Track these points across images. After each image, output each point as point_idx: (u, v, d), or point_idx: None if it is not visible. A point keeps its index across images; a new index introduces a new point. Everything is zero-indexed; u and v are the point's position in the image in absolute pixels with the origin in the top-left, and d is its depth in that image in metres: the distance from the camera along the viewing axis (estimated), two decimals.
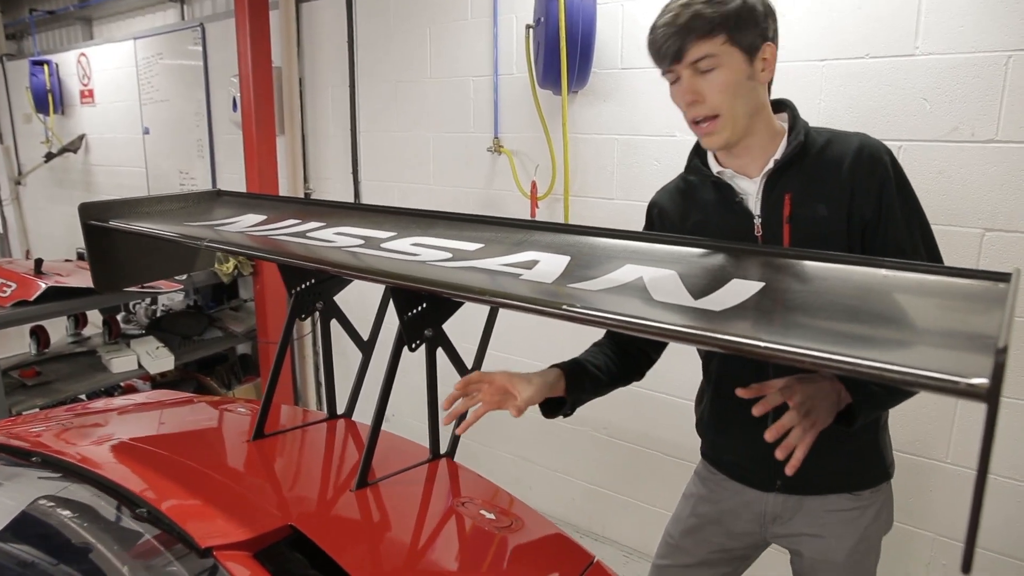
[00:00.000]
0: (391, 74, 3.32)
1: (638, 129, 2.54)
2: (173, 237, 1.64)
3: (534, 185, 2.75)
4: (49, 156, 5.42)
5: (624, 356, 1.48)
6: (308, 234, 1.61)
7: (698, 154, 1.40)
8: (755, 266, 1.18)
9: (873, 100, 2.08)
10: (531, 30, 2.44)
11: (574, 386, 1.37)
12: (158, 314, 3.92)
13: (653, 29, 1.26)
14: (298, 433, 1.54)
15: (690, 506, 1.56)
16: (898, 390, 1.22)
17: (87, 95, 5.29)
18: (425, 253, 1.35)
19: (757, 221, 1.31)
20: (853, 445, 1.36)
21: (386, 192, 3.46)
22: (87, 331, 3.75)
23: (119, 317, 3.88)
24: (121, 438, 1.44)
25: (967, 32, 1.90)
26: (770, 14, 1.26)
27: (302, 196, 3.77)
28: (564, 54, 2.18)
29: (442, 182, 3.22)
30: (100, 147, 5.35)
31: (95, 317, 3.95)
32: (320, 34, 3.59)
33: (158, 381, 3.82)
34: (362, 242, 1.49)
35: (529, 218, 1.37)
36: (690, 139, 1.39)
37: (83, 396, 3.70)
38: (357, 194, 3.57)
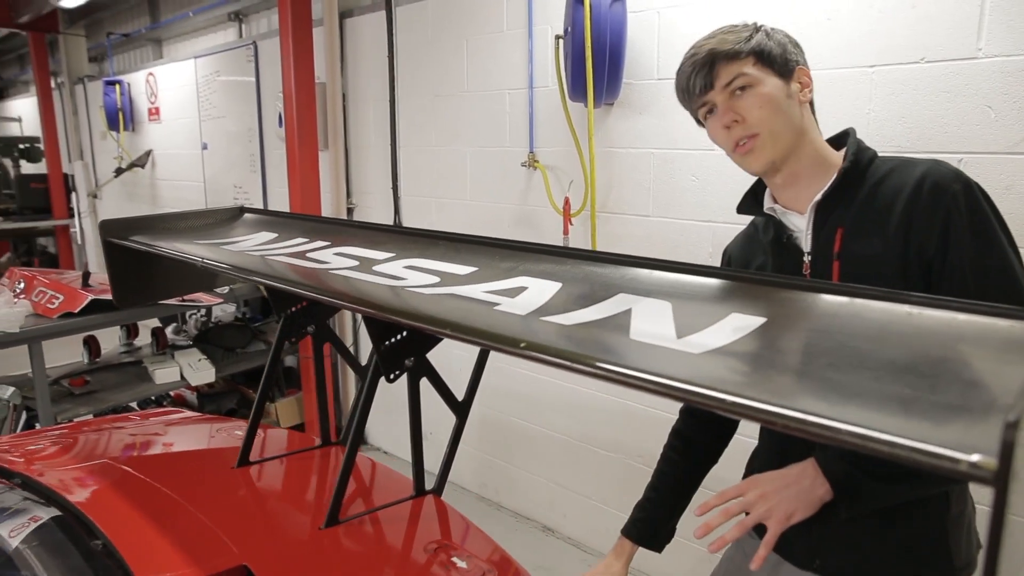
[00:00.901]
0: (429, 87, 3.28)
1: (675, 143, 2.40)
2: (172, 255, 1.63)
3: (567, 201, 2.65)
4: (118, 171, 5.66)
5: (689, 448, 1.42)
6: (308, 254, 1.58)
7: (754, 193, 1.31)
8: (762, 299, 1.05)
9: (929, 109, 1.88)
10: (560, 40, 2.34)
11: (649, 542, 1.37)
12: (208, 326, 3.99)
13: (679, 71, 1.21)
14: (285, 461, 1.47)
15: (723, 570, 1.44)
16: (901, 476, 1.07)
17: (154, 112, 5.50)
18: (413, 277, 1.31)
19: (807, 259, 1.20)
20: (904, 531, 1.16)
21: (424, 207, 3.42)
22: (138, 341, 3.85)
23: (171, 328, 3.98)
24: (104, 461, 1.41)
25: None
26: (795, 43, 1.20)
27: (344, 211, 3.78)
28: (590, 64, 2.08)
29: (478, 198, 3.15)
30: (165, 162, 5.55)
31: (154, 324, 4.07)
32: (363, 48, 3.60)
33: (203, 392, 3.89)
34: (357, 263, 1.45)
35: (528, 242, 1.28)
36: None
37: (134, 405, 3.81)
38: (397, 210, 3.54)
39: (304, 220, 1.94)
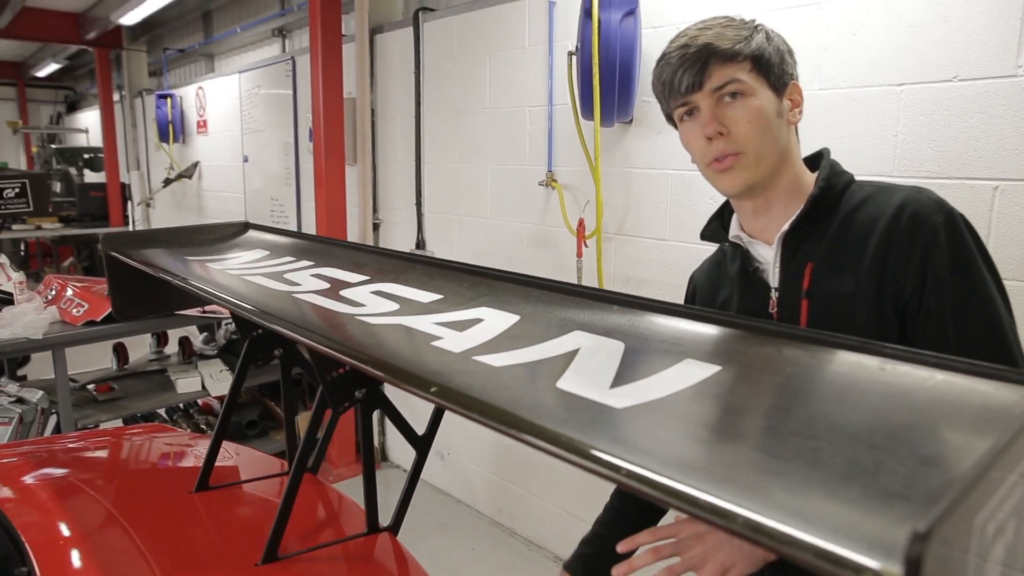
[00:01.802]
0: (452, 104, 3.24)
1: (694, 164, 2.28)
2: (150, 272, 1.64)
3: (581, 223, 2.55)
4: (167, 182, 5.83)
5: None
6: (285, 275, 1.56)
7: (720, 217, 1.18)
8: (722, 343, 0.95)
9: (963, 131, 1.72)
10: (572, 57, 2.26)
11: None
12: (234, 337, 4.04)
13: (662, 58, 1.06)
14: (242, 489, 1.43)
15: None
16: None
17: (202, 125, 5.65)
18: (373, 304, 1.27)
19: (774, 295, 1.07)
20: None
21: (446, 224, 3.38)
22: (168, 350, 3.92)
23: (202, 338, 4.03)
24: (61, 480, 1.39)
25: None
26: (791, 53, 1.08)
27: (370, 228, 3.76)
28: (597, 81, 1.99)
29: (498, 216, 3.09)
30: (210, 173, 5.69)
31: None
32: (391, 65, 3.59)
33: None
34: (326, 286, 1.43)
35: (498, 270, 1.20)
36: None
37: (162, 412, 3.87)
38: (420, 227, 3.50)
39: (301, 239, 1.92)
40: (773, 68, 1.03)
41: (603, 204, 2.44)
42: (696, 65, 1.01)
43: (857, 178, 1.07)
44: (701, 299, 1.24)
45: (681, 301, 1.24)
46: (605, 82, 2.03)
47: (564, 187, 2.70)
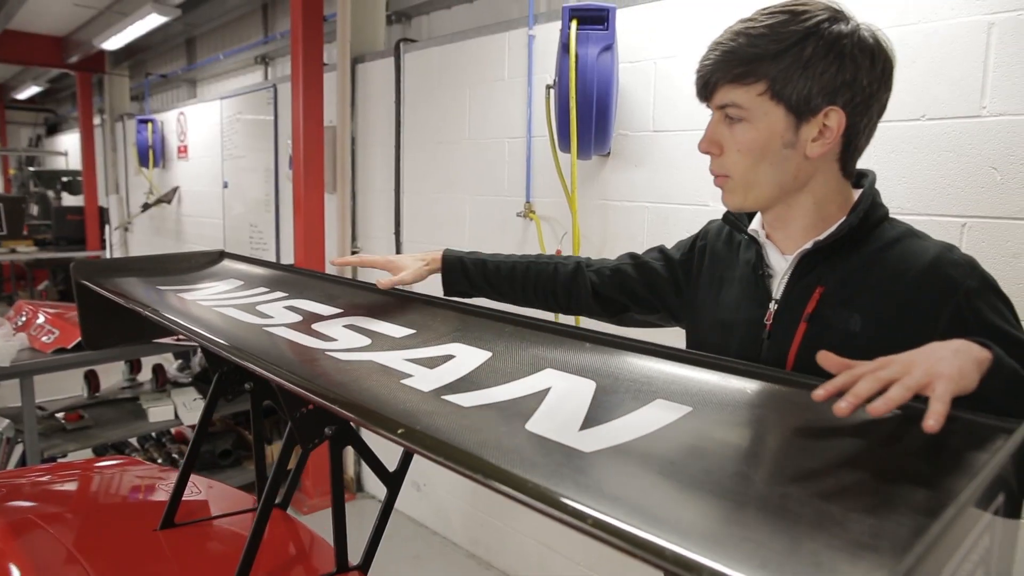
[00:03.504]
0: (432, 134, 3.26)
1: (670, 197, 2.30)
2: (120, 301, 1.61)
3: (558, 254, 2.56)
4: (146, 206, 5.78)
5: (572, 288, 1.40)
6: (257, 306, 1.54)
7: None
8: (690, 382, 0.94)
9: (932, 169, 1.75)
10: (551, 90, 2.28)
11: (455, 272, 1.47)
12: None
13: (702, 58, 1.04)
14: (210, 526, 1.39)
15: None
16: None
17: (183, 150, 5.63)
18: (345, 339, 1.27)
19: (773, 307, 1.04)
20: None
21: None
22: (141, 377, 3.84)
23: (176, 365, 3.97)
24: (22, 516, 1.34)
25: None
26: (863, 69, 0.94)
27: (350, 254, 3.75)
28: (573, 115, 2.01)
29: (476, 245, 3.07)
30: (190, 199, 5.65)
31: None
32: (372, 94, 3.61)
33: None
34: (299, 319, 1.42)
35: (473, 305, 1.20)
36: (724, 209, 1.13)
37: (133, 441, 3.79)
38: None
39: (275, 269, 1.91)
40: (798, 86, 0.93)
41: (580, 236, 2.45)
42: (701, 81, 1.01)
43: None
44: (706, 262, 1.19)
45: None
46: (582, 116, 2.05)
47: (542, 218, 2.71)
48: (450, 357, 1.11)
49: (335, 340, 1.24)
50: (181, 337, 3.16)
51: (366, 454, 1.25)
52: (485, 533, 3.22)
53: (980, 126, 1.67)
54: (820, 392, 0.75)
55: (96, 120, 7.41)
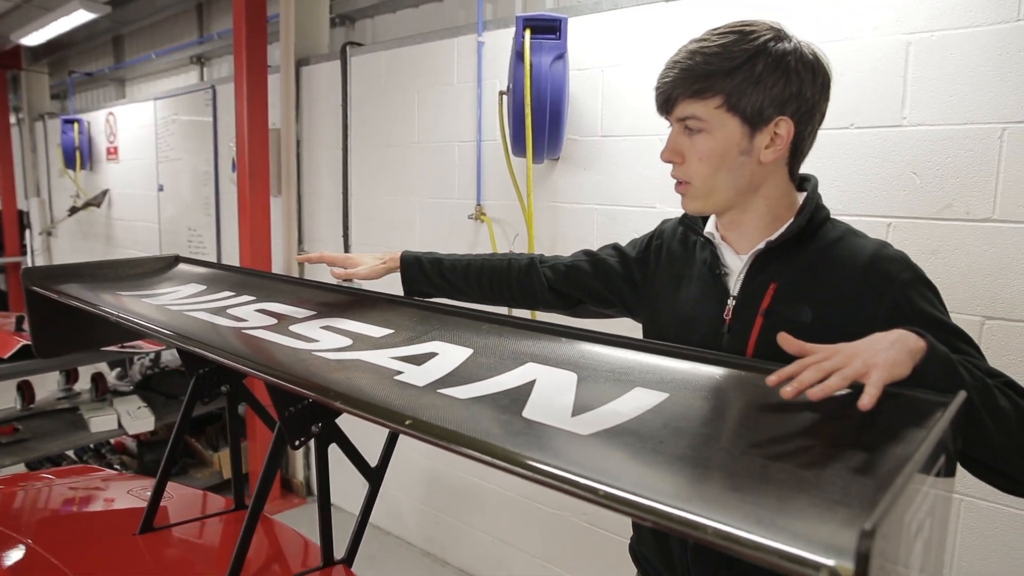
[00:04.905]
0: (381, 137, 3.28)
1: (617, 199, 2.41)
2: (88, 309, 1.59)
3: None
4: (73, 210, 5.56)
5: (527, 284, 1.47)
6: (228, 310, 1.54)
7: None
8: (663, 370, 1.03)
9: (860, 173, 1.91)
10: (504, 96, 2.36)
11: (413, 271, 1.55)
12: (152, 372, 3.87)
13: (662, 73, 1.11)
14: (189, 528, 1.40)
15: None
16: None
17: (112, 152, 5.44)
18: (326, 340, 1.30)
19: (731, 303, 1.13)
20: None
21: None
22: (78, 386, 3.72)
23: (115, 373, 3.85)
24: None
25: (957, 102, 1.74)
26: (806, 82, 1.03)
27: (296, 257, 3.72)
28: (529, 123, 2.09)
29: (428, 248, 3.11)
30: (122, 202, 5.47)
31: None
32: (318, 97, 3.60)
33: (144, 441, 3.76)
34: (274, 322, 1.44)
35: (445, 304, 1.25)
36: (670, 211, 1.23)
37: (71, 453, 3.66)
38: None
39: (235, 273, 1.91)
40: (752, 99, 1.02)
41: (530, 238, 2.52)
42: (662, 96, 1.08)
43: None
44: (662, 261, 1.27)
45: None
46: (537, 122, 2.13)
47: (493, 220, 2.78)
48: (434, 354, 1.16)
49: (317, 341, 1.27)
50: (126, 344, 3.08)
51: (348, 449, 1.29)
52: (440, 531, 3.26)
53: (902, 134, 1.83)
54: (773, 378, 0.87)
55: (12, 119, 7.05)
